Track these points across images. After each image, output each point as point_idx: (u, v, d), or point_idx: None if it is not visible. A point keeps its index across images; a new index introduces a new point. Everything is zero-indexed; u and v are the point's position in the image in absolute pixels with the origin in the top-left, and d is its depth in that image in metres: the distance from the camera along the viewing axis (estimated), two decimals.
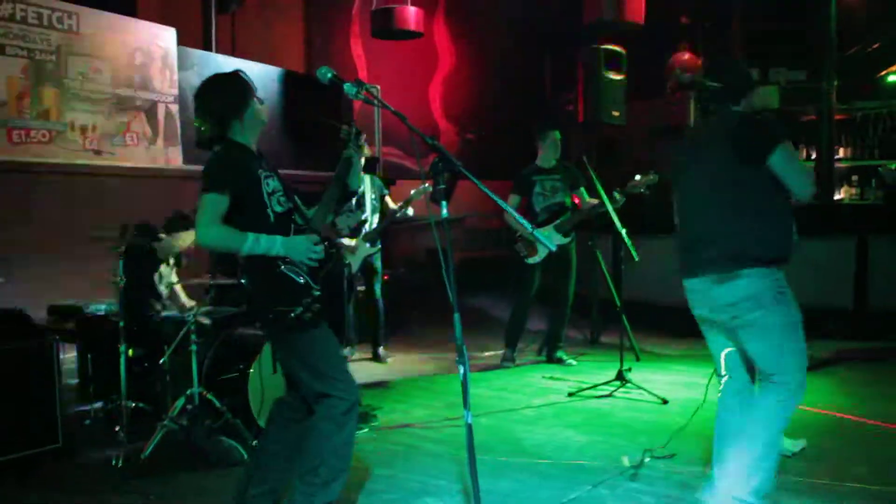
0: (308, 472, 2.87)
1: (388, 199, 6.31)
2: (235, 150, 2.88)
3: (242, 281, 2.94)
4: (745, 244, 2.93)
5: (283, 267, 2.82)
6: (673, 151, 3.34)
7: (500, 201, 3.27)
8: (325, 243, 2.92)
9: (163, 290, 4.68)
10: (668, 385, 5.11)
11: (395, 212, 6.05)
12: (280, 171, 3.04)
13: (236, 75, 2.96)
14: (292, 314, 2.78)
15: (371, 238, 6.10)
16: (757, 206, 2.95)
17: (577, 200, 6.04)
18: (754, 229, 2.93)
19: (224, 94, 2.92)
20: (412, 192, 5.76)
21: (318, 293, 2.86)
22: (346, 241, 6.01)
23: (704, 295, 3.07)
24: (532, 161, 6.11)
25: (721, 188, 3.00)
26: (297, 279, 2.83)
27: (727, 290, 2.96)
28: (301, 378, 2.92)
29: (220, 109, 2.89)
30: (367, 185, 6.21)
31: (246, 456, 3.74)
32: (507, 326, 6.23)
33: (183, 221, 4.57)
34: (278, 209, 2.89)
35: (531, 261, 5.94)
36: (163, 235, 4.57)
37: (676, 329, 7.01)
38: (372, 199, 6.21)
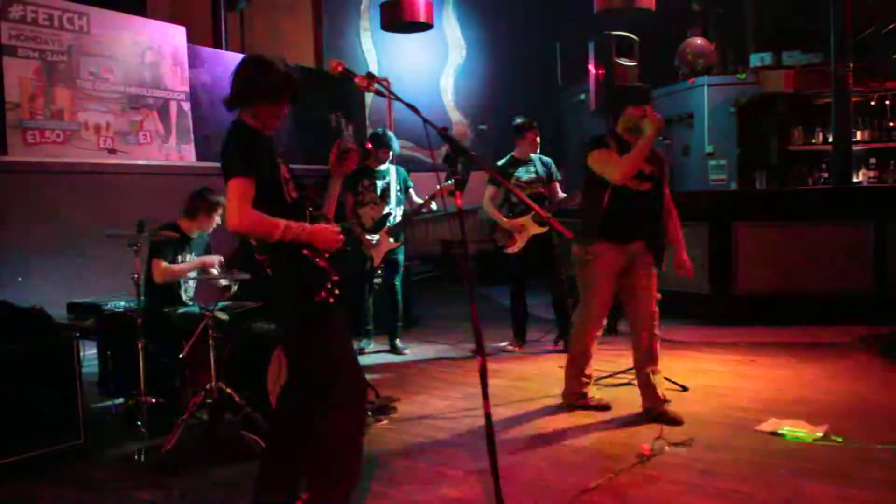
0: (322, 465, 2.88)
1: (412, 191, 6.28)
2: (256, 134, 2.85)
3: (260, 272, 2.88)
4: None
5: (305, 252, 2.82)
6: None
7: (513, 190, 3.27)
8: (344, 232, 2.95)
9: (189, 284, 4.71)
10: (687, 372, 5.08)
11: (419, 207, 6.02)
12: (291, 166, 3.02)
13: (277, 68, 2.87)
14: (317, 297, 2.79)
15: (394, 232, 6.07)
16: None
17: (555, 190, 6.05)
18: None
19: (256, 75, 2.85)
20: (436, 187, 5.71)
21: (336, 279, 2.87)
22: (370, 237, 5.99)
23: None
24: (509, 153, 6.14)
25: None
26: (319, 264, 2.85)
27: None
28: (309, 369, 2.92)
29: (243, 85, 2.85)
30: (392, 177, 6.18)
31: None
32: (511, 320, 6.28)
33: (202, 202, 4.63)
34: (294, 195, 2.90)
35: (511, 251, 5.97)
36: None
37: (694, 316, 6.97)
38: (397, 192, 6.17)
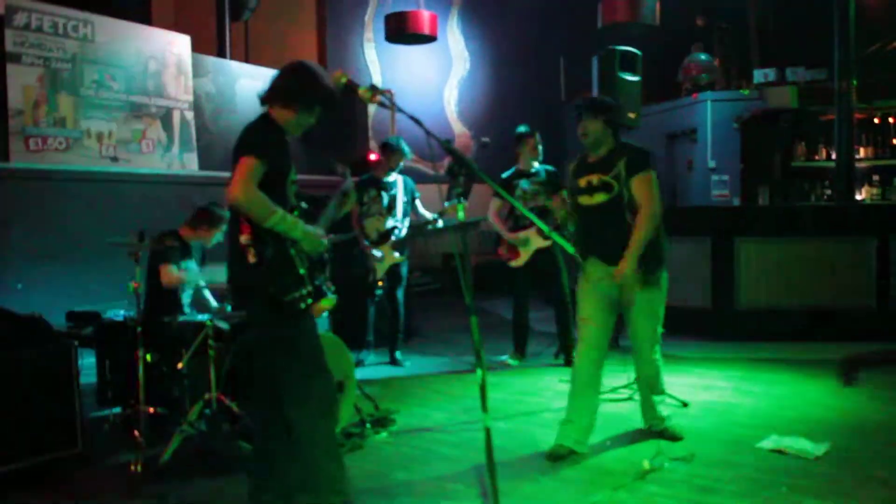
0: (307, 478, 2.86)
1: (418, 202, 6.23)
2: (279, 131, 2.92)
3: (240, 261, 2.85)
4: None
5: (292, 251, 2.84)
6: None
7: (513, 202, 3.26)
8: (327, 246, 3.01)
9: (188, 293, 4.70)
10: (688, 388, 5.05)
11: (426, 223, 6.00)
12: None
13: (323, 82, 2.94)
14: (290, 296, 2.81)
15: (399, 247, 6.05)
16: None
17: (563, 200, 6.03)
18: None
19: (302, 80, 2.93)
20: (445, 204, 5.67)
21: (310, 289, 2.88)
22: (375, 252, 5.95)
23: None
24: (513, 165, 6.13)
25: None
26: (299, 269, 2.86)
27: None
28: (280, 377, 2.92)
29: (286, 86, 2.92)
30: (398, 189, 6.13)
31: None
32: (512, 333, 6.27)
33: (208, 216, 4.64)
34: (292, 202, 2.94)
35: (514, 265, 5.98)
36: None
37: (695, 331, 6.94)
38: (404, 203, 6.14)
